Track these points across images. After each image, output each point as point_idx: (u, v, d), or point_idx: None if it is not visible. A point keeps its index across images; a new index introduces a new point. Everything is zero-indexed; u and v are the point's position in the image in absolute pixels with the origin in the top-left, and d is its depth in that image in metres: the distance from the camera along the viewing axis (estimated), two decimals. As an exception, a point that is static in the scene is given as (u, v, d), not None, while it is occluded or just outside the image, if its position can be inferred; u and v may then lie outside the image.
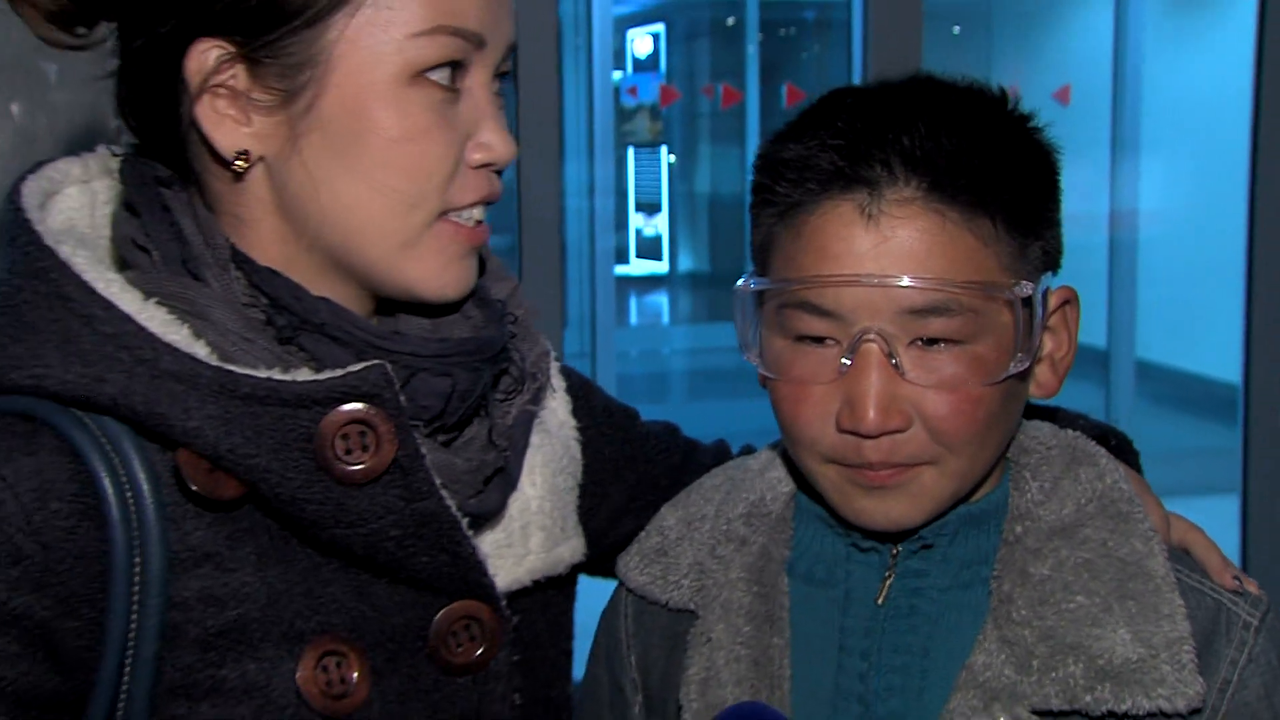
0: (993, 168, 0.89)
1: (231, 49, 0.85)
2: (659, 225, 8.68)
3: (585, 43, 5.51)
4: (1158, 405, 6.85)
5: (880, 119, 0.89)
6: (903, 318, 0.88)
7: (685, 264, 8.75)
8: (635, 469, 1.17)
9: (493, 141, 0.90)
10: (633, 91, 7.85)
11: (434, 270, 0.90)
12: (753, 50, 6.87)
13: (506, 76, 0.94)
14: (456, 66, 0.88)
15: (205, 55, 0.85)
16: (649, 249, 8.85)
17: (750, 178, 0.98)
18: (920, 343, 0.88)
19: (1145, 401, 6.55)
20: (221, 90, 0.86)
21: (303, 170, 0.87)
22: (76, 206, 0.93)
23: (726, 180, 7.89)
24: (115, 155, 0.96)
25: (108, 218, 0.94)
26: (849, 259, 0.88)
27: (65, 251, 0.84)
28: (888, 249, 0.87)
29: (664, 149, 8.18)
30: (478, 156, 0.90)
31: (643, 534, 1.09)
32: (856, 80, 5.24)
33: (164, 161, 0.92)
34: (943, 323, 0.88)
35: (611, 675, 1.09)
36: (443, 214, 0.89)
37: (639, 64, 8.45)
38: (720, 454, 1.26)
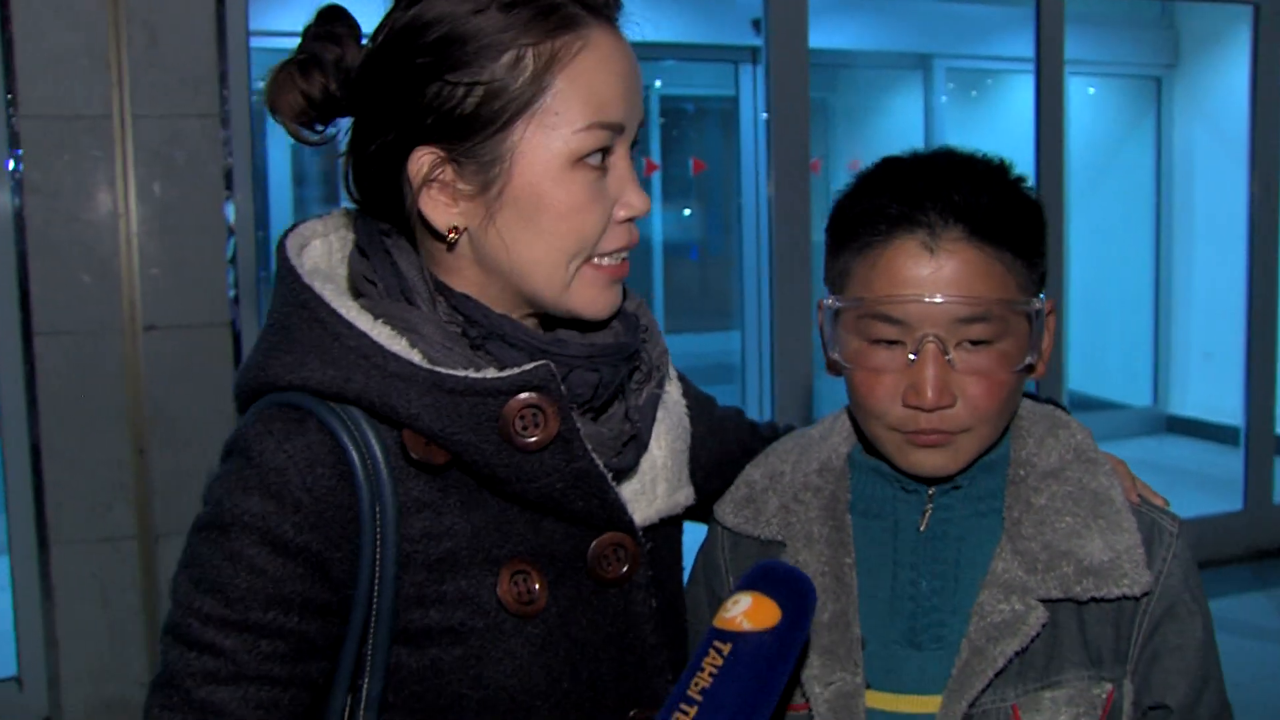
0: (1011, 215, 1.19)
1: (441, 154, 1.09)
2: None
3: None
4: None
5: (933, 179, 1.19)
6: (953, 325, 1.17)
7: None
8: (718, 440, 1.45)
9: (633, 201, 1.13)
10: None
11: (588, 299, 1.14)
12: (655, 130, 7.44)
13: (635, 144, 1.17)
14: (607, 149, 1.11)
15: (422, 160, 1.09)
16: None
17: (823, 225, 1.28)
18: (965, 343, 1.18)
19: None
20: (435, 184, 1.10)
21: (497, 236, 1.11)
22: (321, 253, 1.20)
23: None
24: (348, 213, 1.23)
25: (342, 260, 1.21)
26: (915, 282, 1.17)
27: (318, 287, 1.10)
28: (943, 275, 1.16)
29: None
30: (622, 214, 1.13)
31: (732, 487, 1.39)
32: (745, 150, 5.85)
33: (387, 221, 1.17)
34: (981, 328, 1.18)
35: (711, 592, 1.38)
36: (589, 259, 1.13)
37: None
38: (772, 429, 1.55)
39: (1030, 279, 1.22)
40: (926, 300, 1.17)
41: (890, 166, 1.26)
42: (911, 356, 1.18)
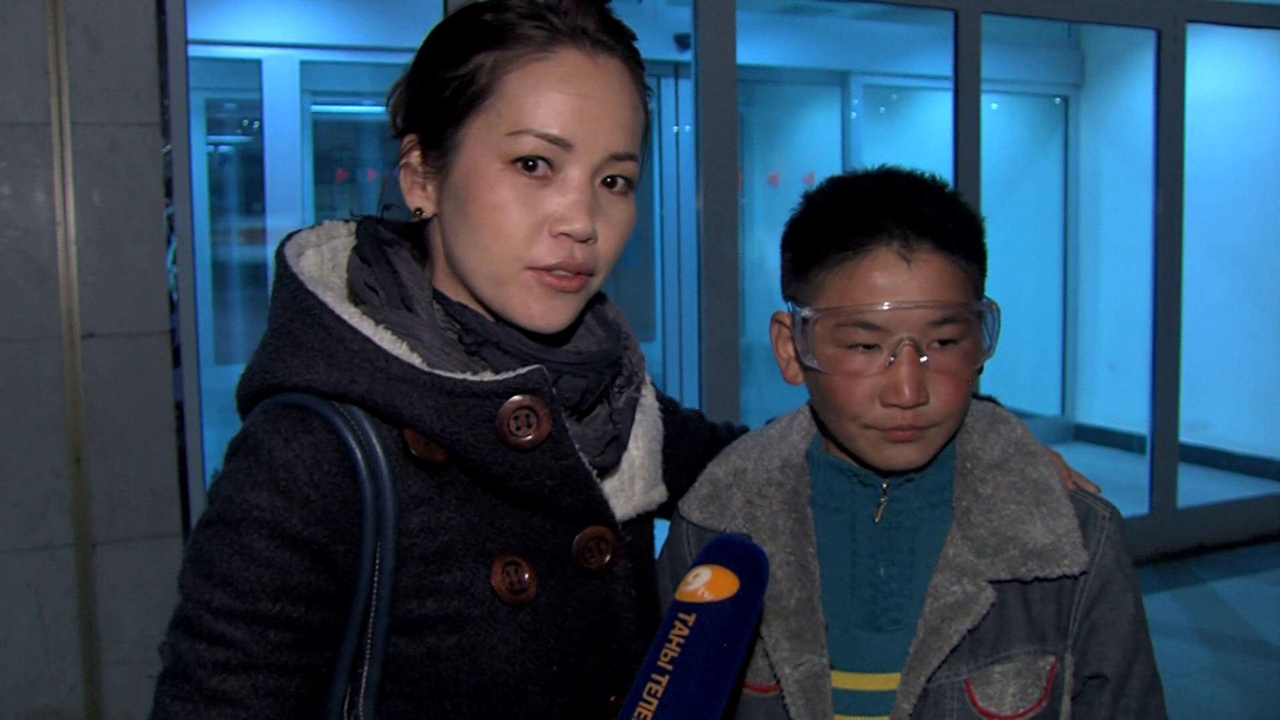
0: (966, 227, 1.29)
1: (417, 139, 1.20)
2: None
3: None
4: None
5: (900, 197, 1.28)
6: (926, 328, 1.26)
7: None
8: (684, 441, 1.52)
9: (567, 216, 1.14)
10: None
11: (523, 306, 1.16)
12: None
13: (619, 179, 1.19)
14: (549, 161, 1.14)
15: (406, 143, 1.21)
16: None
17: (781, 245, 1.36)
18: (936, 344, 1.28)
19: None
20: (408, 166, 1.21)
21: (446, 225, 1.19)
22: (314, 263, 1.24)
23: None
24: (340, 225, 1.29)
25: (333, 269, 1.25)
26: (892, 290, 1.25)
27: (321, 293, 1.15)
28: (917, 283, 1.25)
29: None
30: (558, 228, 1.14)
31: (696, 484, 1.47)
32: (667, 164, 5.96)
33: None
34: (950, 329, 1.27)
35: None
36: (529, 267, 1.15)
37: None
38: (729, 430, 1.63)
39: (980, 283, 1.33)
40: (906, 306, 1.25)
41: (851, 185, 1.34)
42: (890, 359, 1.27)
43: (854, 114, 7.66)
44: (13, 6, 3.12)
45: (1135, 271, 6.38)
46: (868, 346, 1.28)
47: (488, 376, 1.13)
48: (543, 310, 1.17)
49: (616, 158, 1.17)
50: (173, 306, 3.37)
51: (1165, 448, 5.77)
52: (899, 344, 1.26)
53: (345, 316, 1.14)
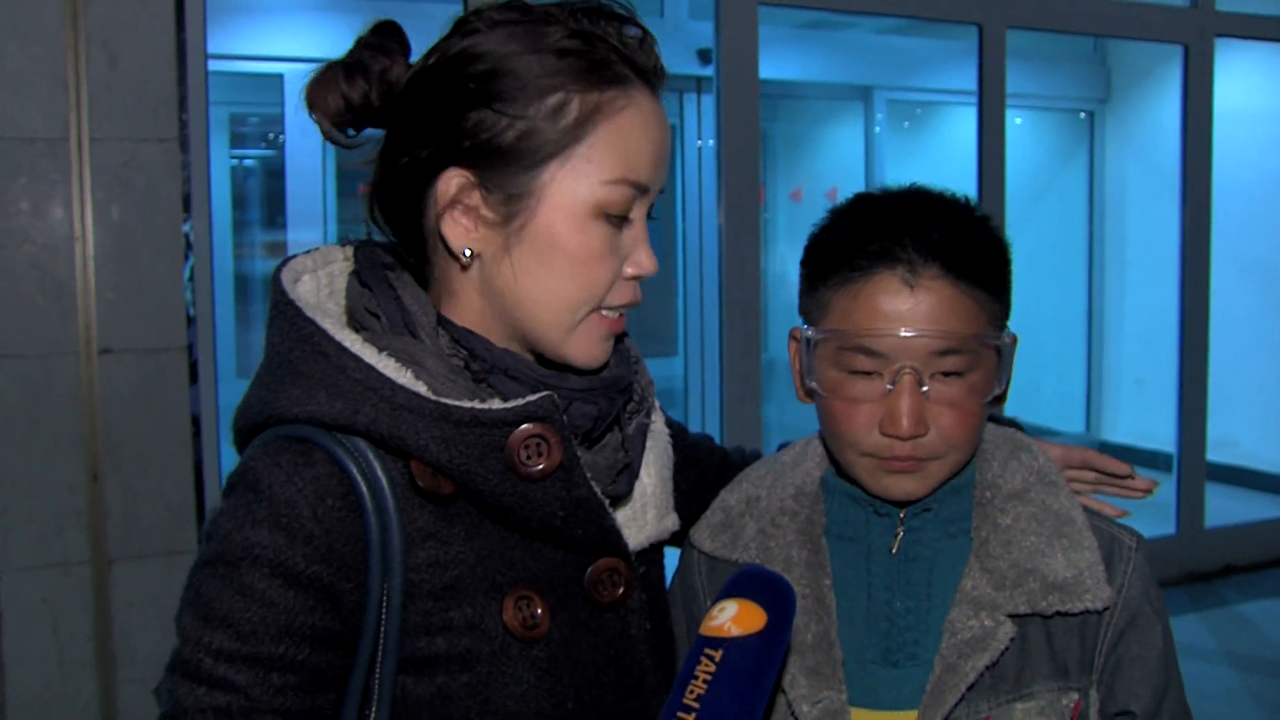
0: (983, 254, 1.24)
1: (472, 179, 1.11)
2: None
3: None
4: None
5: (913, 218, 1.23)
6: (928, 358, 1.21)
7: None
8: (693, 467, 1.48)
9: (643, 261, 1.16)
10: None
11: (585, 349, 1.15)
12: None
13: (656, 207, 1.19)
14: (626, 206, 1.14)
15: (451, 181, 1.11)
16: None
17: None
18: (940, 375, 1.23)
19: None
20: (459, 206, 1.12)
21: (510, 269, 1.12)
22: (311, 289, 1.19)
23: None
24: (346, 244, 1.24)
25: (330, 294, 1.20)
26: (894, 316, 1.21)
27: (320, 321, 1.10)
28: (920, 310, 1.20)
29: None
30: (630, 271, 1.15)
31: (708, 512, 1.43)
32: (689, 179, 5.96)
33: (401, 239, 1.20)
34: (955, 360, 1.22)
35: (690, 615, 1.42)
36: (599, 309, 1.14)
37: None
38: (740, 454, 1.59)
39: (998, 314, 1.27)
40: (905, 334, 1.21)
41: (868, 204, 1.30)
42: (889, 387, 1.23)
43: (878, 129, 7.62)
44: (33, 21, 3.12)
45: (1161, 287, 6.31)
46: (868, 373, 1.24)
47: (496, 404, 1.09)
48: (602, 351, 1.17)
49: (663, 193, 1.18)
50: (190, 322, 3.36)
51: (1192, 466, 5.70)
52: (899, 372, 1.22)
53: (346, 344, 1.09)
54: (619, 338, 1.29)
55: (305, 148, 5.88)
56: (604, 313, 1.15)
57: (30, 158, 3.14)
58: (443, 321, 1.16)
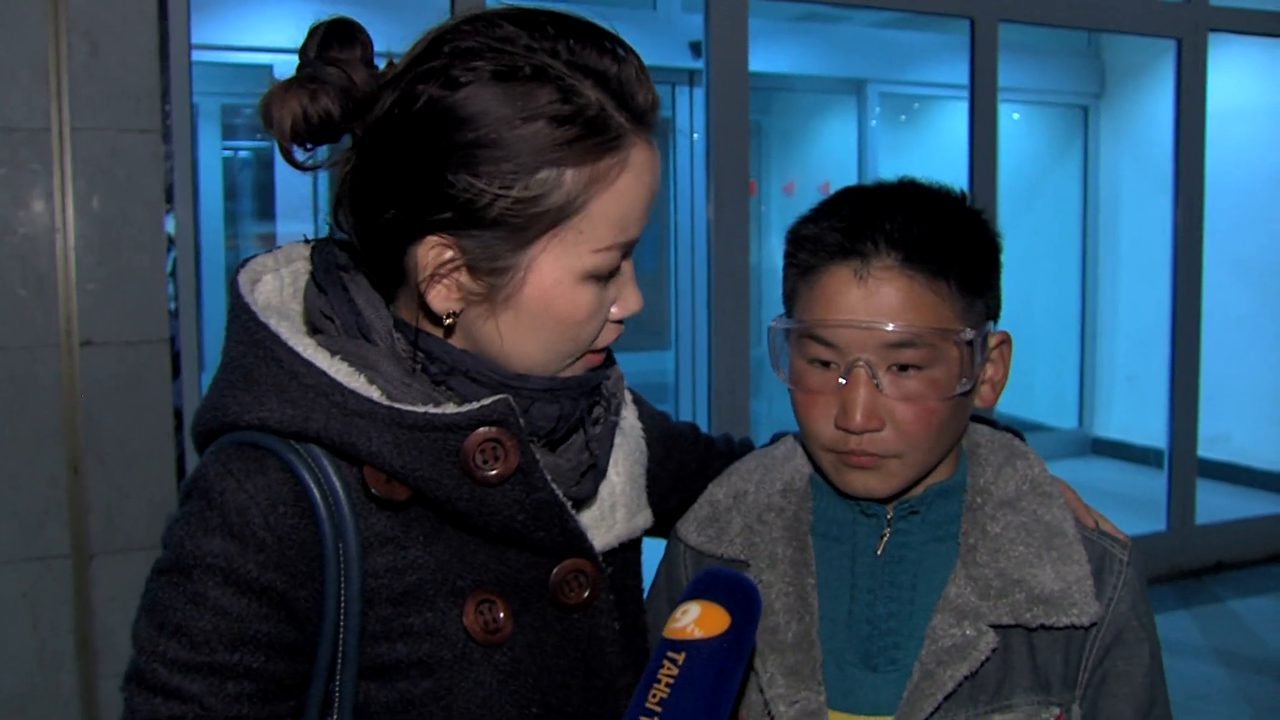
0: (948, 246, 1.20)
1: (457, 256, 1.07)
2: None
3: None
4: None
5: (871, 209, 1.21)
6: (882, 350, 1.19)
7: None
8: (674, 458, 1.45)
9: (630, 302, 1.14)
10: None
11: (567, 378, 1.15)
12: None
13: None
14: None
15: (431, 252, 1.07)
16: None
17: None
18: (895, 368, 1.21)
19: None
20: (442, 279, 1.08)
21: (494, 329, 1.10)
22: (273, 289, 1.17)
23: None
24: (306, 243, 1.21)
25: (294, 294, 1.18)
26: (846, 308, 1.20)
27: (274, 324, 1.08)
28: (873, 302, 1.19)
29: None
30: (616, 311, 1.14)
31: (695, 506, 1.41)
32: (681, 172, 5.97)
33: (372, 266, 1.13)
34: (911, 353, 1.20)
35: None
36: (581, 356, 1.15)
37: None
38: (728, 444, 1.56)
39: (970, 308, 1.23)
40: (853, 325, 1.20)
41: (840, 196, 1.28)
42: (841, 380, 1.21)
43: (873, 122, 7.60)
44: (14, 10, 3.09)
45: (1154, 283, 6.31)
46: (825, 363, 1.23)
47: (450, 409, 1.07)
48: (577, 374, 1.17)
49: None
50: (173, 315, 3.33)
51: (1184, 462, 5.69)
52: (852, 364, 1.20)
53: (299, 349, 1.07)
54: None
55: (294, 139, 5.85)
56: (591, 355, 1.16)
57: (11, 148, 3.10)
58: (399, 324, 1.13)
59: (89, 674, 3.26)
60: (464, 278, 1.08)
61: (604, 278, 1.11)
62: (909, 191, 1.27)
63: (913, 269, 1.19)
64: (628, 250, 1.12)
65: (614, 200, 1.07)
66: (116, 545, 3.25)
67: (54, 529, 3.21)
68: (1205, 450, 5.89)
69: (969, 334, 1.22)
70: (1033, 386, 8.25)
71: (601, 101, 1.06)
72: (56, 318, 3.17)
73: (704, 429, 1.57)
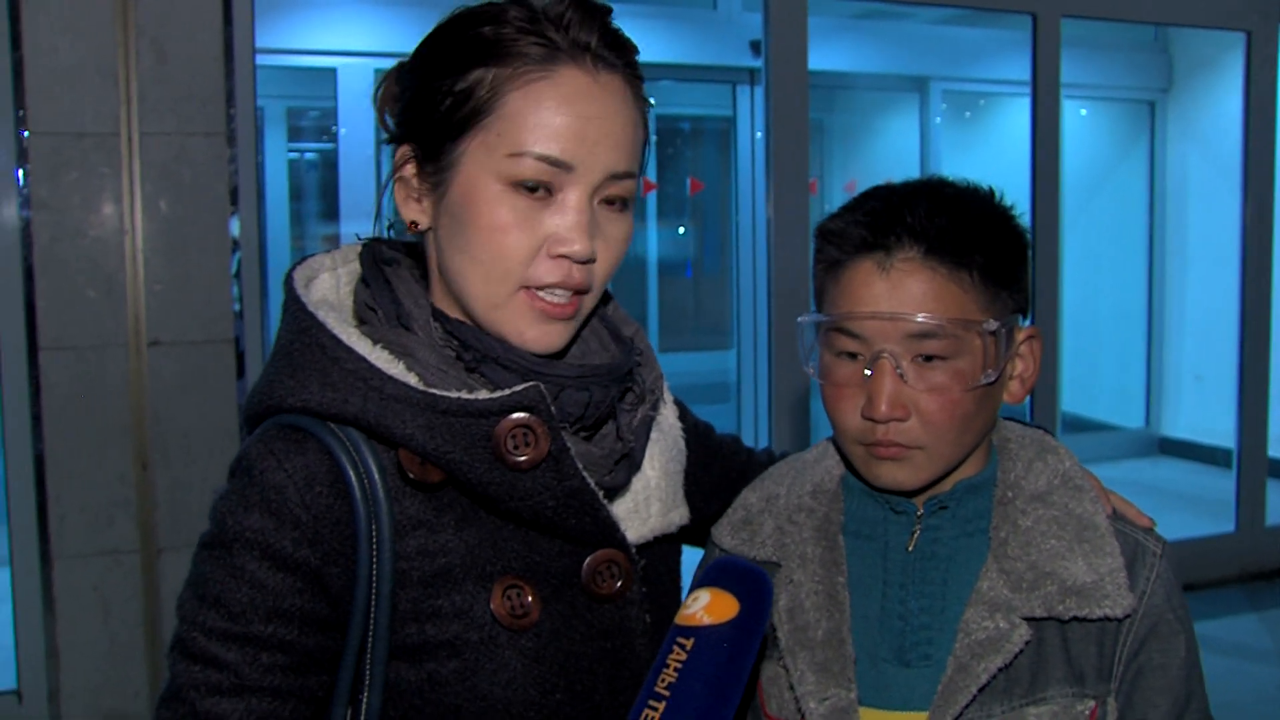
0: (970, 238, 1.22)
1: (411, 152, 1.18)
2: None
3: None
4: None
5: (895, 203, 1.24)
6: (906, 341, 1.22)
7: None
8: (717, 465, 1.49)
9: (567, 238, 1.13)
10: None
11: (516, 328, 1.16)
12: (651, 149, 7.50)
13: (617, 198, 1.18)
14: (549, 183, 1.13)
15: (400, 154, 1.19)
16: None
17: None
18: (919, 359, 1.22)
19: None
20: (401, 179, 1.19)
21: (441, 240, 1.18)
22: (329, 286, 1.24)
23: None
24: (358, 247, 1.28)
25: (350, 292, 1.26)
26: (870, 300, 1.22)
27: (321, 315, 1.15)
28: (897, 294, 1.21)
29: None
30: (557, 249, 1.14)
31: (729, 510, 1.43)
32: (742, 170, 5.97)
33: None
34: (934, 344, 1.21)
35: None
36: (525, 287, 1.15)
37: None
38: (768, 455, 1.59)
39: (994, 300, 1.25)
40: (877, 316, 1.22)
41: (868, 192, 1.31)
42: (867, 371, 1.23)
43: (937, 119, 7.55)
44: (83, 17, 3.17)
45: (1223, 280, 6.20)
46: (852, 355, 1.25)
47: (483, 394, 1.12)
48: (536, 335, 1.17)
49: (615, 177, 1.16)
50: (237, 315, 3.40)
51: (1253, 462, 5.59)
52: (876, 355, 1.23)
53: (342, 336, 1.13)
54: (622, 331, 1.31)
55: (358, 141, 5.93)
56: (538, 292, 1.15)
57: (81, 152, 3.19)
58: (437, 314, 1.19)
59: (158, 667, 3.34)
60: (413, 173, 1.19)
61: (532, 191, 1.13)
62: (933, 187, 1.29)
63: (935, 260, 1.21)
64: (561, 173, 1.13)
65: (530, 106, 1.12)
66: (182, 540, 3.33)
67: (123, 524, 3.29)
68: (1275, 450, 5.79)
69: (992, 324, 1.23)
70: (1099, 385, 8.15)
71: (536, 19, 1.14)
72: (125, 318, 3.24)
73: (765, 429, 1.59)
